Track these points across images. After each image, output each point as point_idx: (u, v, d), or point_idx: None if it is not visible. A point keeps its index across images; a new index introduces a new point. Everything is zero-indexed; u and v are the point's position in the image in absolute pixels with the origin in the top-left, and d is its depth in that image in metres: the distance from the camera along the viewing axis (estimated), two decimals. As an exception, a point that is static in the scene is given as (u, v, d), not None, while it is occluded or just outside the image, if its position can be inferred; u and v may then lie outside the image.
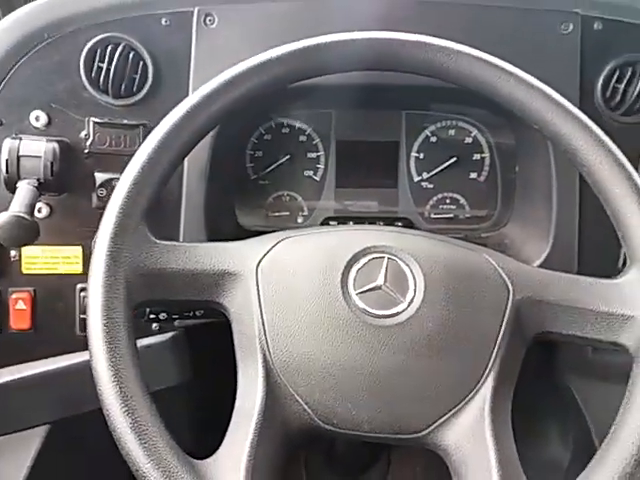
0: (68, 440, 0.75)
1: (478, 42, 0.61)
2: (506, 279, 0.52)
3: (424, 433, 0.50)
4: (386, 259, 0.52)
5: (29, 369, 0.72)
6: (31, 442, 0.72)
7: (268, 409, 0.49)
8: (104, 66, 0.67)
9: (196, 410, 0.89)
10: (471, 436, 0.49)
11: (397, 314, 0.50)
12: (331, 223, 0.84)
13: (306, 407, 0.50)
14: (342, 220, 0.83)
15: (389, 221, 0.84)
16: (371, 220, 0.83)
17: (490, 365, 0.50)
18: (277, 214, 0.85)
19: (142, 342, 0.73)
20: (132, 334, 0.47)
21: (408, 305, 0.50)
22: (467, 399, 0.50)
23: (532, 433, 0.98)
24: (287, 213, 0.85)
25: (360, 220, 0.83)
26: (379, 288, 0.51)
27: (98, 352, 0.46)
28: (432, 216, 0.85)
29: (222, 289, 0.52)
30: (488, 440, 0.48)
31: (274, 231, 0.58)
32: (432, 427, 0.50)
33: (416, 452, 0.52)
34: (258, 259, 0.52)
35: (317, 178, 0.84)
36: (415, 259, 0.52)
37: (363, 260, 0.52)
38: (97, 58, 0.68)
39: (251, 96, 0.54)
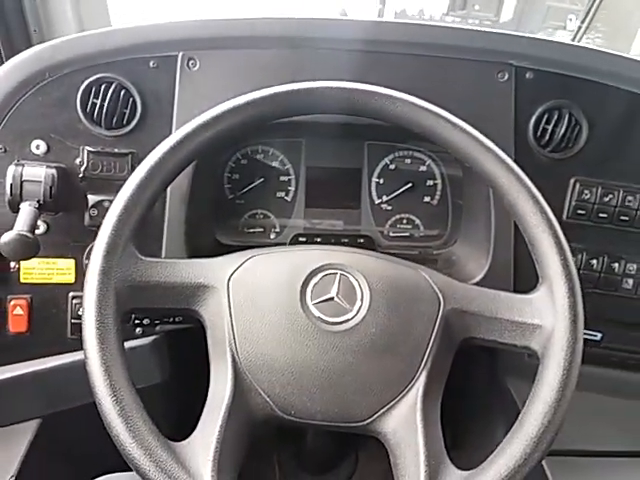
0: (58, 433, 0.81)
1: (425, 89, 0.68)
2: (438, 293, 0.60)
3: (367, 422, 0.58)
4: (339, 275, 0.60)
5: (24, 368, 0.78)
6: (24, 435, 0.78)
7: (235, 400, 0.56)
8: (98, 102, 0.74)
9: (175, 404, 0.95)
10: (405, 423, 0.57)
11: (346, 321, 0.58)
12: (300, 239, 0.90)
13: (268, 399, 0.58)
14: (310, 237, 0.90)
15: (352, 238, 0.91)
16: (336, 237, 0.90)
17: (423, 365, 0.58)
18: (252, 231, 0.91)
19: (127, 344, 0.77)
20: (121, 337, 0.55)
21: (356, 314, 0.58)
22: (403, 393, 0.58)
23: (482, 434, 1.05)
24: (261, 230, 0.92)
25: (327, 237, 0.90)
26: (332, 299, 0.58)
27: (92, 351, 0.53)
28: (391, 234, 0.93)
29: (198, 299, 0.60)
30: (418, 426, 0.56)
31: (249, 247, 0.65)
32: (374, 417, 0.58)
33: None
34: (229, 273, 0.60)
35: (288, 199, 0.91)
36: (363, 275, 0.60)
37: (319, 275, 0.59)
38: (92, 95, 0.74)
39: (227, 135, 0.60)
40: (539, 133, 0.81)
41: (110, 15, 1.18)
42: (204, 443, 0.54)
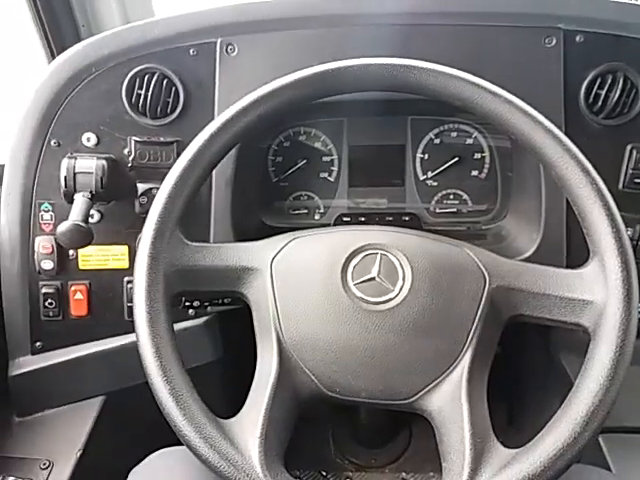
0: (121, 409, 0.85)
1: (468, 60, 0.67)
2: (483, 270, 0.59)
3: (412, 400, 0.58)
4: (379, 255, 0.60)
5: (87, 349, 0.83)
6: (89, 411, 0.84)
7: (281, 378, 0.58)
8: (142, 92, 0.76)
9: (227, 382, 0.98)
10: (450, 401, 0.57)
11: (388, 301, 0.58)
12: (344, 219, 0.91)
13: (313, 377, 0.59)
14: (354, 217, 0.90)
15: (397, 216, 0.90)
16: (380, 216, 0.90)
17: (467, 344, 0.57)
18: (296, 212, 0.93)
19: (180, 325, 0.83)
20: (170, 319, 0.57)
21: (398, 293, 0.58)
22: (447, 372, 0.57)
23: (536, 410, 1.04)
24: (305, 211, 0.92)
25: (371, 216, 0.90)
26: (373, 279, 0.58)
27: (143, 334, 0.55)
28: (437, 211, 0.91)
29: (243, 282, 0.61)
30: (463, 404, 0.56)
31: (295, 228, 0.66)
32: (419, 395, 0.58)
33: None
34: (272, 256, 0.61)
35: (331, 179, 0.91)
36: (404, 254, 0.59)
37: (360, 256, 0.59)
38: (136, 86, 0.77)
39: (266, 119, 0.61)
40: (591, 99, 0.77)
41: (153, 6, 1.21)
42: (252, 420, 0.55)
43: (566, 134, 0.57)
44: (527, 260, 0.76)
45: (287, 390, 0.59)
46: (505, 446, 0.55)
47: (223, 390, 0.96)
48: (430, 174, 0.91)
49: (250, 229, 0.85)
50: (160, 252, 0.58)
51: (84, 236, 0.68)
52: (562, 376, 0.88)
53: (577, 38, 0.76)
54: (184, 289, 0.60)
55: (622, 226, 0.55)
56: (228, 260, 0.61)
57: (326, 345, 0.58)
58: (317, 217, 0.93)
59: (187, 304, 0.79)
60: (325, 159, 0.91)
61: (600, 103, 0.77)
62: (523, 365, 1.02)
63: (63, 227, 0.68)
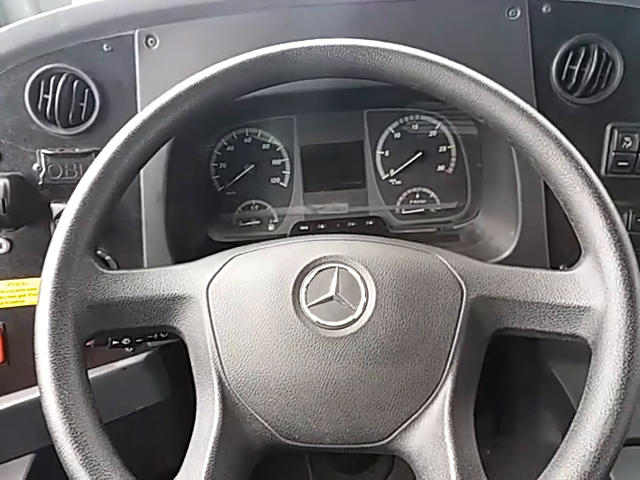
0: (54, 467, 0.75)
1: (424, 38, 0.61)
2: (459, 278, 0.51)
3: (387, 441, 0.50)
4: (337, 269, 0.51)
5: (8, 401, 0.72)
6: (16, 473, 0.73)
7: (226, 430, 0.49)
8: (49, 97, 0.67)
9: (179, 423, 0.88)
10: (431, 440, 0.49)
11: (350, 323, 0.49)
12: (302, 228, 0.83)
13: (266, 424, 0.50)
14: (313, 224, 0.83)
15: (360, 221, 0.83)
16: (342, 222, 0.83)
17: (447, 368, 0.49)
18: (247, 224, 0.85)
19: (117, 365, 0.73)
20: (83, 368, 0.47)
21: (361, 314, 0.50)
22: (427, 403, 0.49)
23: (526, 420, 0.98)
24: (257, 222, 0.85)
25: (331, 222, 0.83)
26: (331, 299, 0.50)
27: (47, 391, 0.46)
28: (403, 212, 0.85)
29: (174, 313, 0.52)
30: (448, 444, 0.48)
31: (248, 242, 0.57)
32: (393, 435, 0.50)
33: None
34: (208, 280, 0.52)
35: (284, 184, 0.84)
36: (365, 266, 0.51)
37: (314, 272, 0.51)
38: (42, 90, 0.68)
39: (192, 118, 0.53)
40: (564, 76, 0.71)
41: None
42: None
43: None
44: (506, 261, 0.70)
45: (234, 443, 0.50)
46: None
47: (176, 433, 0.85)
48: (393, 172, 0.85)
49: (193, 248, 0.76)
50: (67, 286, 0.49)
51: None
52: (551, 383, 0.82)
53: (544, 8, 0.70)
54: (101, 329, 0.51)
55: (617, 216, 0.48)
56: (154, 288, 0.52)
57: (279, 384, 0.50)
58: (271, 228, 0.86)
59: (114, 343, 0.69)
60: (275, 162, 0.84)
61: (574, 80, 0.70)
62: (510, 372, 0.96)
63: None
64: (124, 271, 0.52)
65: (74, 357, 0.47)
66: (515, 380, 1.01)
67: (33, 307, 0.69)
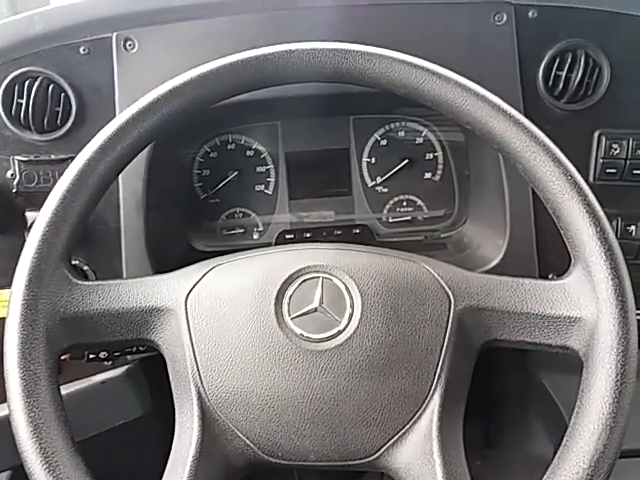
0: None
1: (410, 42, 0.59)
2: (446, 288, 0.50)
3: (373, 457, 0.48)
4: (321, 279, 0.49)
5: (-19, 418, 0.69)
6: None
7: (205, 449, 0.47)
8: (23, 102, 0.65)
9: (161, 438, 0.86)
10: (420, 456, 0.47)
11: (335, 336, 0.48)
12: (287, 237, 0.82)
13: (248, 442, 0.48)
14: (298, 233, 0.81)
15: (347, 230, 0.82)
16: (328, 230, 0.82)
17: (436, 380, 0.48)
18: (231, 232, 0.83)
19: (96, 378, 0.71)
20: (55, 384, 0.45)
21: (346, 326, 0.48)
22: (414, 418, 0.48)
23: (516, 430, 0.97)
24: (241, 230, 0.83)
25: (317, 231, 0.82)
26: (315, 310, 0.48)
27: (16, 407, 0.43)
28: (390, 220, 0.84)
29: (151, 326, 0.50)
30: (436, 460, 0.46)
31: (231, 251, 0.55)
32: (380, 451, 0.48)
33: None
34: (187, 290, 0.50)
35: (269, 192, 0.83)
36: (350, 276, 0.49)
37: (297, 282, 0.49)
38: (16, 94, 0.66)
39: (172, 122, 0.51)
40: (551, 82, 0.70)
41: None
42: None
43: None
44: (494, 270, 0.69)
45: (214, 461, 0.47)
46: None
47: (158, 449, 0.83)
48: (379, 180, 0.84)
49: (175, 257, 0.74)
50: (38, 298, 0.46)
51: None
52: (541, 392, 0.81)
53: (530, 13, 0.69)
54: (75, 342, 0.49)
55: (607, 224, 0.47)
56: (130, 300, 0.50)
57: (261, 399, 0.47)
58: (256, 236, 0.84)
59: (91, 357, 0.66)
60: (260, 169, 0.82)
61: (561, 86, 0.70)
62: (500, 381, 0.95)
63: None
64: (99, 282, 0.50)
65: (45, 373, 0.45)
66: (505, 390, 1.00)
67: (4, 320, 0.68)
